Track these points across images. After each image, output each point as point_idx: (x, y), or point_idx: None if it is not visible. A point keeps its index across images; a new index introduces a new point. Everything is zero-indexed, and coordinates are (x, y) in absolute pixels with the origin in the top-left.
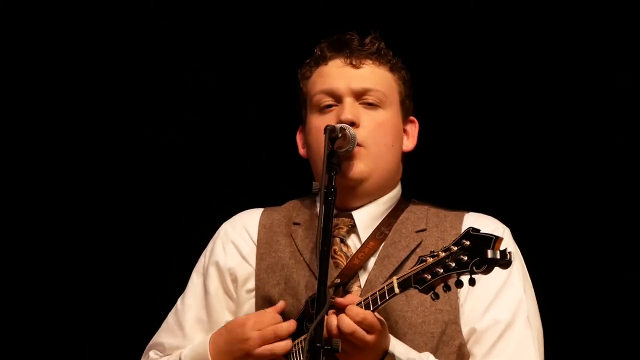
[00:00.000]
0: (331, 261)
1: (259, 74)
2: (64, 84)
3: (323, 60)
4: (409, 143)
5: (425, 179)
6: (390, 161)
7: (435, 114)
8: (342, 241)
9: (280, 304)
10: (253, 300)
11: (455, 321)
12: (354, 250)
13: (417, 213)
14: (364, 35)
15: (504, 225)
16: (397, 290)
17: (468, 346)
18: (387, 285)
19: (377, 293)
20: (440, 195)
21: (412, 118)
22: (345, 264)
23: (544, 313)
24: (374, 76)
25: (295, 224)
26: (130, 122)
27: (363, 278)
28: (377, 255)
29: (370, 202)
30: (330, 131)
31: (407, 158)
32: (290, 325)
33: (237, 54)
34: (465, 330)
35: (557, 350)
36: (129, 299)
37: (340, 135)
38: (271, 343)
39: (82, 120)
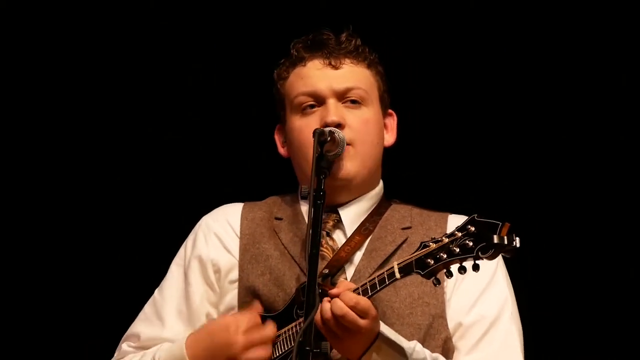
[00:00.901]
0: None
1: (259, 74)
2: (64, 83)
3: (300, 61)
4: (390, 137)
5: (404, 177)
6: (375, 158)
7: (412, 112)
8: (328, 235)
9: (257, 306)
10: (235, 291)
11: (441, 315)
12: (339, 244)
13: (401, 211)
14: (338, 31)
15: None
16: (397, 275)
17: (454, 340)
18: (387, 271)
19: (376, 279)
20: (419, 194)
21: (390, 111)
22: (331, 256)
23: (526, 314)
24: (353, 75)
25: (277, 219)
26: (131, 122)
27: (349, 270)
28: (363, 249)
29: (355, 198)
30: (319, 135)
31: (387, 156)
32: (273, 329)
33: (237, 54)
34: (451, 324)
35: (556, 351)
36: (129, 299)
37: (329, 138)
38: (257, 346)
39: (82, 120)
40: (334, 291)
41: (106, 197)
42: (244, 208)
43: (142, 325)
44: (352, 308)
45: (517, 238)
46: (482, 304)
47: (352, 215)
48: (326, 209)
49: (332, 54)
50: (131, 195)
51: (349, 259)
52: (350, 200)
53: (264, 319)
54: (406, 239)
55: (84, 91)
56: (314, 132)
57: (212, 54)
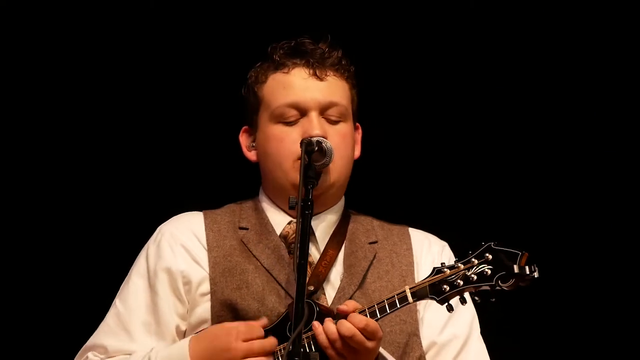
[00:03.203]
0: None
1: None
2: (57, 83)
3: (282, 66)
4: (357, 150)
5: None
6: (348, 171)
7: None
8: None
9: (264, 320)
10: (207, 304)
11: (415, 333)
12: (313, 257)
13: (363, 224)
14: (316, 39)
15: (444, 242)
16: (410, 299)
17: (427, 358)
18: (397, 294)
19: (386, 302)
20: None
21: (357, 124)
22: (310, 270)
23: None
24: (337, 90)
25: (242, 228)
26: (128, 122)
27: (327, 287)
28: (339, 265)
29: (325, 210)
30: (306, 145)
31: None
32: (275, 343)
33: (235, 56)
34: (425, 342)
35: None
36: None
37: (316, 148)
38: (256, 356)
39: (79, 120)
40: (342, 307)
41: (106, 198)
42: (206, 218)
43: (107, 337)
44: (362, 330)
45: (537, 268)
46: (454, 322)
47: (324, 227)
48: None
49: (317, 65)
50: (131, 196)
51: (327, 275)
52: (321, 212)
53: None
54: (375, 255)
55: (82, 91)
56: (302, 142)
57: (210, 54)
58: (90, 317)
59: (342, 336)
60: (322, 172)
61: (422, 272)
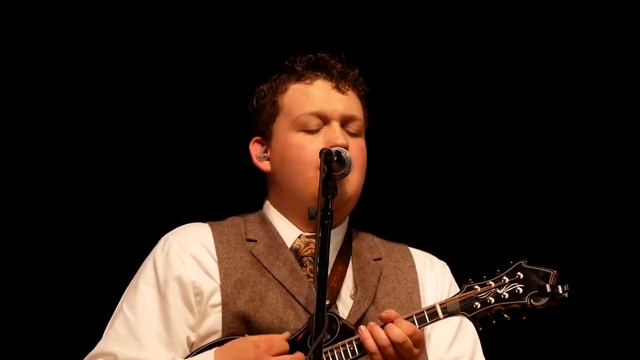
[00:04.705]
0: (307, 281)
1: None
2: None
3: (304, 78)
4: None
5: None
6: (362, 186)
7: None
8: (314, 261)
9: (286, 333)
10: (218, 315)
11: (423, 350)
12: None
13: (366, 240)
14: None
15: (443, 262)
16: (441, 315)
17: None
18: (427, 310)
19: (415, 317)
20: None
21: None
22: None
23: None
24: (355, 105)
25: (249, 240)
26: (129, 129)
27: (337, 301)
28: (349, 281)
29: (336, 225)
30: (326, 155)
31: None
32: (302, 358)
33: (231, 69)
34: None
35: None
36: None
37: (335, 158)
38: None
39: (83, 126)
40: (384, 315)
41: (104, 198)
42: (213, 229)
43: (117, 345)
44: (410, 336)
45: (568, 288)
46: (460, 341)
47: (334, 242)
48: (309, 235)
49: (339, 79)
50: (129, 197)
51: (340, 289)
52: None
53: None
54: (381, 271)
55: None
56: (321, 152)
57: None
58: (90, 322)
59: (393, 342)
60: (339, 183)
61: (427, 289)
